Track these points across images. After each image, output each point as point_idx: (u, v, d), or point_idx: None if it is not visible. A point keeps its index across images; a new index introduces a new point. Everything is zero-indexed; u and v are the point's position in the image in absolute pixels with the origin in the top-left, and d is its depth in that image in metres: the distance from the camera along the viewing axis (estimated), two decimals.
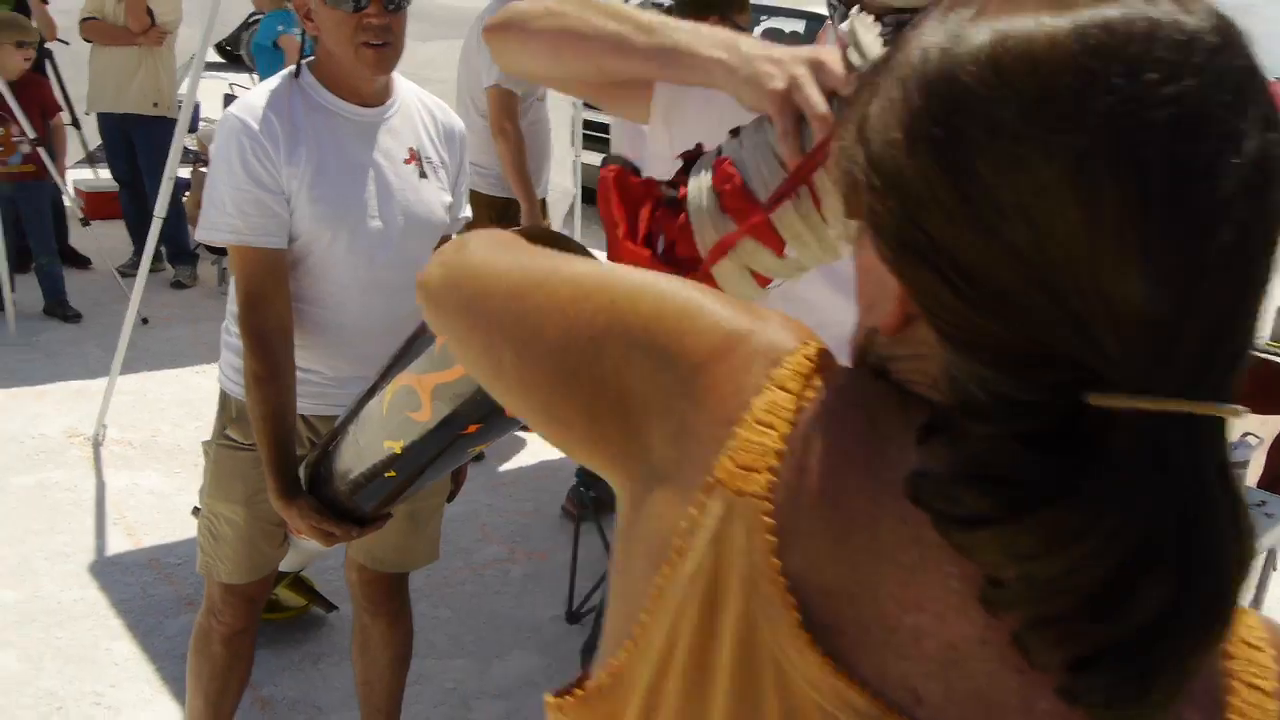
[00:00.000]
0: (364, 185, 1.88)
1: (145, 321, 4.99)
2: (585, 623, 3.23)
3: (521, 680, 2.98)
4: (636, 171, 0.94)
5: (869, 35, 0.82)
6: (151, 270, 6.00)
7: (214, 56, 9.84)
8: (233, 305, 1.99)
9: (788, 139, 0.85)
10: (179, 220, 5.58)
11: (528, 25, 1.08)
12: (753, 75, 0.88)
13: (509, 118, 3.54)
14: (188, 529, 3.48)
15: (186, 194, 6.04)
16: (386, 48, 1.80)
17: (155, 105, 5.48)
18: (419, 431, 1.26)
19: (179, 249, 5.82)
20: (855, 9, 0.86)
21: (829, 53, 0.87)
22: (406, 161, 1.94)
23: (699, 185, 0.90)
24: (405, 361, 1.24)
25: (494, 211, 3.86)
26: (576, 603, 3.27)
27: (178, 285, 5.85)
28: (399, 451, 1.36)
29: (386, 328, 1.98)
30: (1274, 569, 2.97)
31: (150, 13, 5.38)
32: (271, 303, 1.83)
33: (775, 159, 0.88)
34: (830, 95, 0.85)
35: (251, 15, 6.23)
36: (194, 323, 5.42)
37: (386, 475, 1.49)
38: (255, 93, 1.85)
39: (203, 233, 1.84)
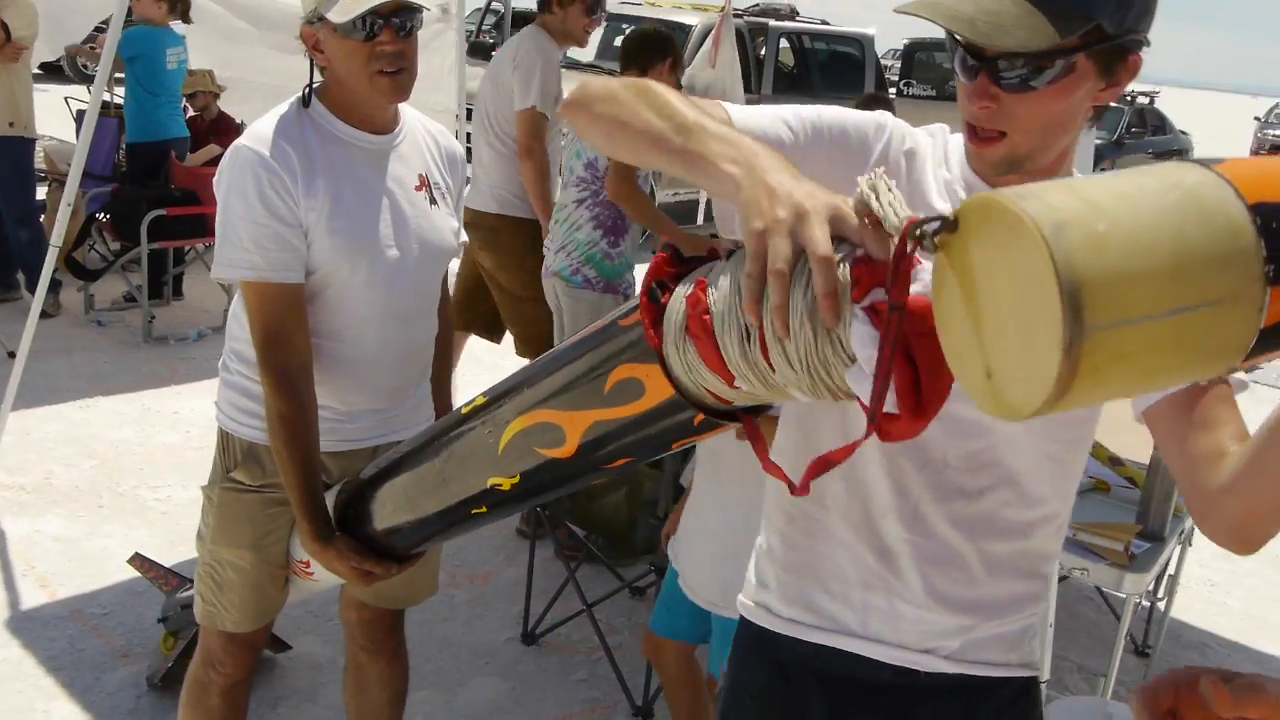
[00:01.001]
0: (380, 215, 1.83)
1: (11, 355, 4.65)
2: (543, 643, 3.21)
3: (490, 706, 2.93)
4: (681, 257, 1.01)
5: (889, 195, 0.81)
6: (8, 300, 5.63)
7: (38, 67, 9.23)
8: (234, 342, 1.91)
9: (749, 281, 0.84)
10: (37, 245, 5.23)
11: (591, 108, 1.14)
12: (746, 203, 0.87)
13: (537, 139, 3.53)
14: (105, 576, 3.30)
15: (43, 216, 5.68)
16: (401, 74, 1.76)
17: (11, 125, 5.12)
18: (545, 466, 1.24)
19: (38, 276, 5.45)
20: (879, 170, 0.85)
21: (843, 202, 0.84)
22: (417, 188, 1.90)
23: (678, 296, 0.95)
24: (539, 398, 1.21)
25: (528, 233, 3.88)
26: (532, 623, 3.24)
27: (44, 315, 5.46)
28: (506, 488, 1.34)
29: (401, 358, 1.94)
30: (1189, 545, 3.22)
31: (5, 27, 5.02)
32: (293, 339, 1.76)
33: (738, 295, 0.87)
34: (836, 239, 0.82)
35: (102, 23, 5.91)
36: (67, 354, 5.10)
37: (473, 512, 1.46)
38: (264, 123, 1.77)
39: (220, 270, 1.75)
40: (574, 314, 3.57)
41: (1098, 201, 0.70)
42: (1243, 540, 1.14)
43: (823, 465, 0.93)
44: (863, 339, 0.82)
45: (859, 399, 0.84)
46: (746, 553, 2.00)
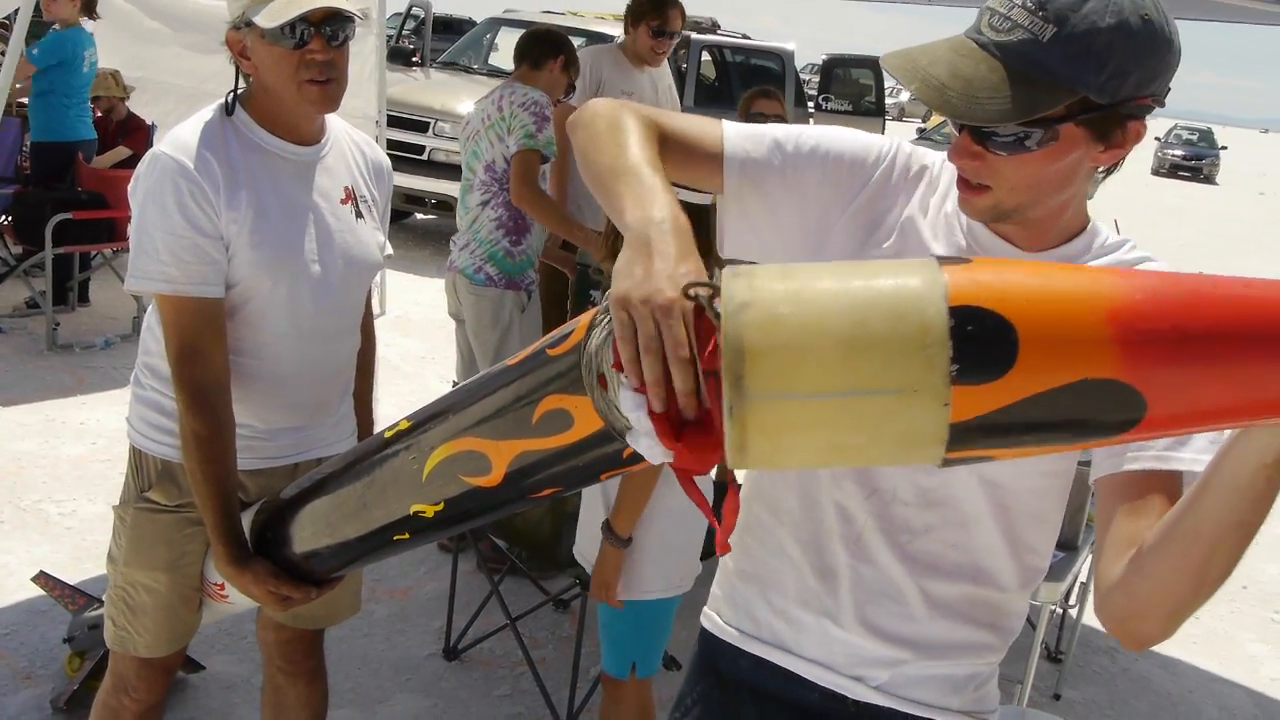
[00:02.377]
0: (305, 229, 1.79)
1: None
2: (465, 658, 3.18)
3: None
4: None
5: (734, 286, 0.82)
6: None
7: None
8: (148, 356, 1.86)
9: (615, 340, 0.92)
10: None
11: (575, 133, 1.20)
12: (619, 267, 0.93)
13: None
14: (6, 595, 3.20)
15: None
16: (331, 84, 1.73)
17: None
18: (470, 494, 1.23)
19: None
20: (728, 269, 0.86)
21: (681, 306, 0.87)
22: (343, 201, 1.87)
23: (595, 331, 0.99)
24: (465, 425, 1.20)
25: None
26: (454, 638, 3.20)
27: None
28: (429, 515, 1.32)
29: (323, 375, 1.91)
30: None
31: None
32: (210, 355, 1.71)
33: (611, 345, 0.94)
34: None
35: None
36: None
37: (395, 538, 1.43)
38: (185, 130, 1.72)
39: (134, 282, 1.69)
40: (476, 310, 3.59)
41: (800, 288, 0.78)
42: (1127, 636, 1.12)
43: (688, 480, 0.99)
44: (630, 403, 0.91)
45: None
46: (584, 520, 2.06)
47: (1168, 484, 1.10)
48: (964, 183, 1.13)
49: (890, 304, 0.76)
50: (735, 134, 1.24)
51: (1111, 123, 1.06)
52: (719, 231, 1.27)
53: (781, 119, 4.11)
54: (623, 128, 1.13)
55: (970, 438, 0.78)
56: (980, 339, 0.75)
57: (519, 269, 3.55)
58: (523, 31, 3.88)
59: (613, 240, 2.17)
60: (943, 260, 0.81)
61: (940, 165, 1.27)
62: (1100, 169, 1.13)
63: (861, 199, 1.24)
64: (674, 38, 4.35)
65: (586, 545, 2.33)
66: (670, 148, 1.18)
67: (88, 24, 5.95)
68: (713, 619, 1.43)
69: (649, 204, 0.98)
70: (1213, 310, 0.76)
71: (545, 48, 3.67)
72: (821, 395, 0.76)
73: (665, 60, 4.55)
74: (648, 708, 2.38)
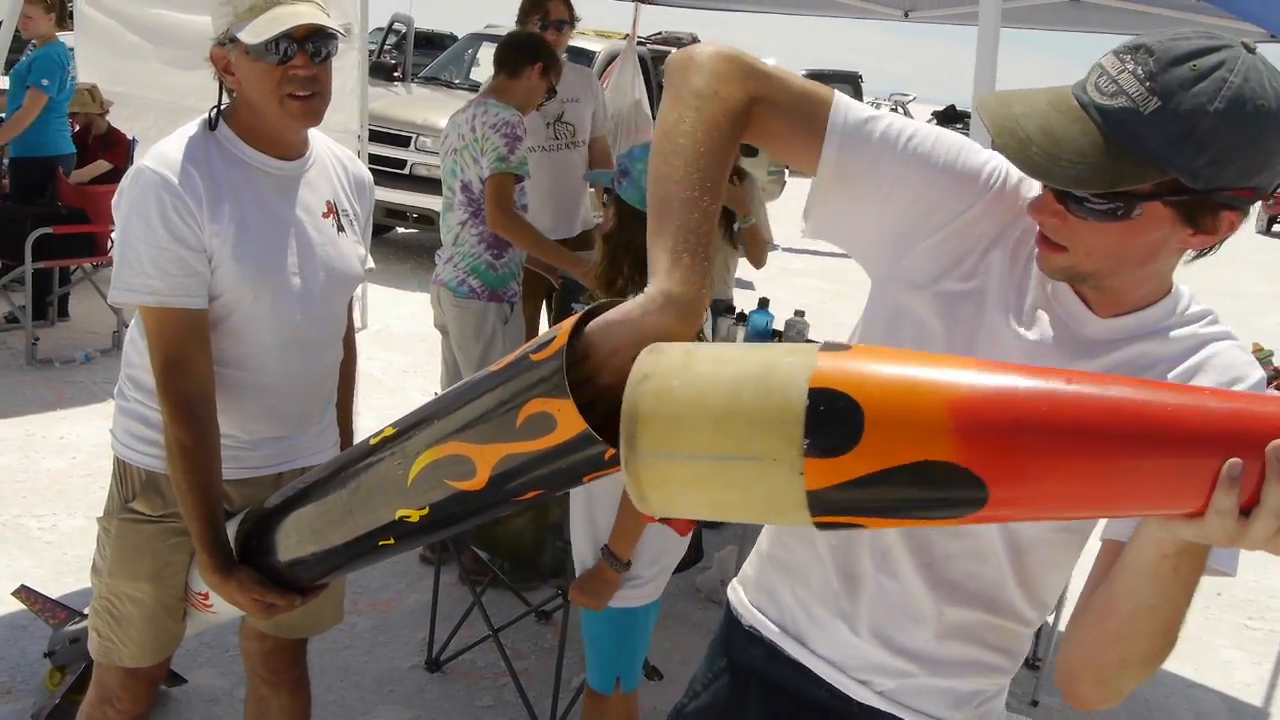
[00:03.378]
0: (287, 242, 1.82)
1: None
2: (448, 670, 3.19)
3: None
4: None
5: (642, 361, 0.94)
6: None
7: None
8: (131, 369, 1.87)
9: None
10: None
11: (670, 82, 1.14)
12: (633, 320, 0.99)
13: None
14: None
15: None
16: (314, 99, 1.75)
17: None
18: (454, 498, 1.25)
19: None
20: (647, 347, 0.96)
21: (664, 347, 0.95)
22: (325, 215, 1.89)
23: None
24: (450, 430, 1.22)
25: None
26: (436, 650, 3.21)
27: None
28: (414, 520, 1.34)
29: (305, 386, 1.93)
30: None
31: None
32: (194, 366, 1.73)
33: None
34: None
35: None
36: None
37: (380, 544, 1.45)
38: (168, 144, 1.74)
39: (118, 294, 1.71)
40: (460, 323, 3.60)
41: (694, 364, 0.91)
42: (1067, 694, 1.15)
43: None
44: None
45: None
46: (566, 529, 2.14)
47: None
48: (1042, 238, 1.11)
49: (759, 384, 0.87)
50: (843, 118, 1.17)
51: (1203, 209, 1.02)
52: (808, 203, 1.23)
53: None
54: (703, 117, 1.07)
55: (827, 505, 0.87)
56: (830, 418, 0.85)
57: (502, 281, 3.57)
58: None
59: (605, 270, 2.22)
60: (826, 347, 0.90)
61: (1028, 238, 1.22)
62: (1189, 251, 1.09)
63: (958, 224, 1.18)
64: (563, 28, 4.21)
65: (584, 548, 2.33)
66: (772, 119, 1.14)
67: (65, 38, 5.96)
68: (738, 593, 1.45)
69: (671, 270, 1.00)
70: (1057, 408, 0.83)
71: (522, 55, 3.62)
72: (697, 457, 0.89)
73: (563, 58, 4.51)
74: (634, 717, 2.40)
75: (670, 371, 0.91)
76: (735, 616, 1.45)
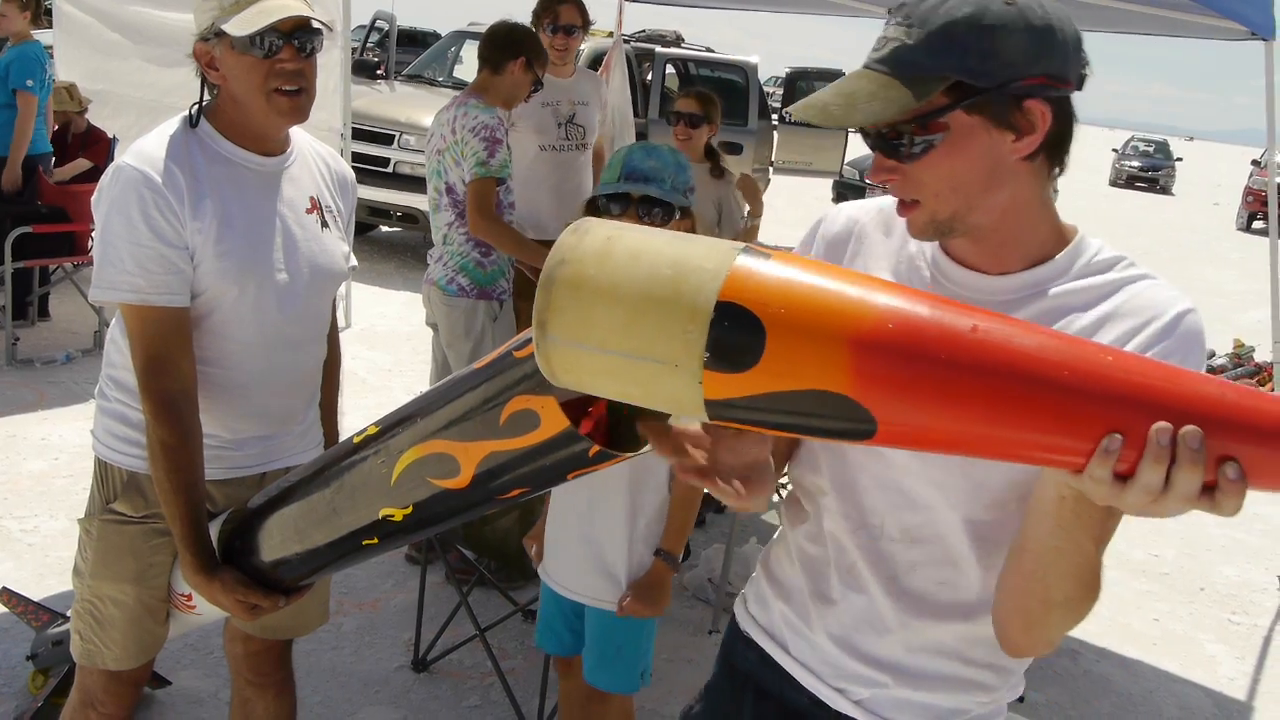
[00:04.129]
0: (270, 238, 1.80)
1: None
2: (435, 670, 3.17)
3: None
4: None
5: (565, 238, 0.95)
6: None
7: None
8: (112, 369, 1.85)
9: None
10: None
11: None
12: None
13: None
14: None
15: None
16: (301, 94, 1.74)
17: None
18: (438, 496, 1.24)
19: None
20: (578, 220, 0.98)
21: None
22: (308, 211, 1.88)
23: None
24: (433, 428, 1.22)
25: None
26: (423, 650, 3.20)
27: None
28: (398, 519, 1.33)
29: (291, 383, 1.91)
30: None
31: None
32: (177, 364, 1.71)
33: None
34: None
35: None
36: None
37: (364, 543, 1.44)
38: (149, 141, 1.73)
39: (99, 292, 1.69)
40: (449, 321, 3.58)
41: (612, 252, 0.90)
42: (1001, 642, 1.19)
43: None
44: None
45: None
46: (595, 533, 2.12)
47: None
48: (900, 204, 1.16)
49: (671, 287, 0.86)
50: None
51: (1004, 106, 1.08)
52: None
53: (699, 120, 4.09)
54: None
55: (726, 413, 0.88)
56: (733, 335, 0.84)
57: (490, 279, 3.55)
58: None
59: None
60: (747, 251, 0.89)
61: (876, 212, 1.30)
62: (1022, 157, 1.11)
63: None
64: (574, 33, 4.22)
65: (566, 570, 2.27)
66: None
67: (45, 37, 5.92)
68: (741, 604, 1.48)
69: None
70: (956, 350, 0.83)
71: (504, 50, 3.58)
72: (605, 351, 0.88)
73: (575, 62, 4.45)
74: (633, 717, 2.39)
75: (586, 258, 0.91)
76: (736, 623, 1.47)
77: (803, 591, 1.35)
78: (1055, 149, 1.13)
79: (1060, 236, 1.19)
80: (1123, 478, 0.83)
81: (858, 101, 1.08)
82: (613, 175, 2.12)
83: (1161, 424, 0.81)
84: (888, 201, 1.25)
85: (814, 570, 1.33)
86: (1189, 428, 0.80)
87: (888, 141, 1.11)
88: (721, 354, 0.84)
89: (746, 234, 4.36)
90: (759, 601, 1.44)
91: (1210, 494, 0.82)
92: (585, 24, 4.32)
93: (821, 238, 1.33)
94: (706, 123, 4.14)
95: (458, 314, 3.54)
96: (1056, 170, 1.16)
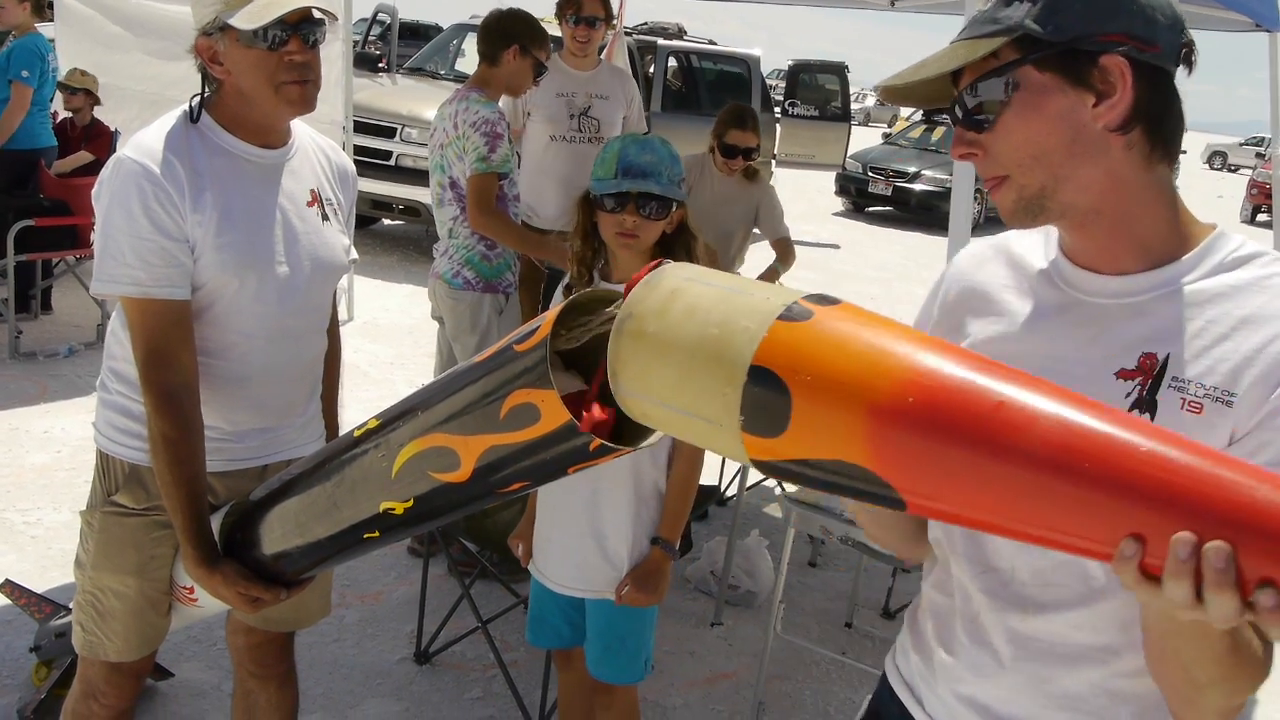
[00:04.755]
0: (271, 230, 1.80)
1: None
2: (437, 662, 3.18)
3: None
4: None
5: (638, 291, 0.99)
6: None
7: None
8: (113, 361, 1.86)
9: None
10: None
11: None
12: None
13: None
14: None
15: None
16: (309, 85, 1.74)
17: None
18: (439, 490, 1.24)
19: None
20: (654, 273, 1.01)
21: None
22: (309, 204, 1.87)
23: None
24: (433, 422, 1.21)
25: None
26: (425, 642, 3.21)
27: None
28: (399, 512, 1.33)
29: (291, 375, 1.92)
30: None
31: None
32: (178, 357, 1.71)
33: None
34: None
35: None
36: None
37: (365, 536, 1.45)
38: (149, 134, 1.72)
39: (100, 285, 1.69)
40: (455, 315, 3.57)
41: (671, 307, 0.92)
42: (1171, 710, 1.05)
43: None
44: None
45: None
46: (601, 525, 2.13)
47: None
48: (991, 189, 1.10)
49: (716, 347, 0.88)
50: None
51: (1078, 62, 1.02)
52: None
53: (754, 152, 4.08)
54: None
55: (770, 470, 0.89)
56: (764, 400, 0.85)
57: (496, 272, 3.54)
58: None
59: (580, 249, 2.18)
60: (786, 315, 0.87)
61: (986, 249, 1.24)
62: (1111, 128, 1.04)
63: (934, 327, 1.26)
64: (596, 25, 4.18)
65: (563, 566, 2.25)
66: None
67: (48, 30, 5.91)
68: (891, 652, 1.39)
69: None
70: (975, 429, 0.78)
71: (497, 41, 3.53)
72: (664, 405, 0.92)
73: (614, 64, 4.47)
74: (638, 708, 2.40)
75: (648, 314, 0.94)
76: (885, 673, 1.39)
77: (930, 642, 1.27)
78: (1155, 126, 1.05)
79: (1192, 234, 1.09)
80: (1159, 578, 0.74)
81: (928, 62, 1.05)
82: (608, 171, 2.10)
83: (1183, 535, 0.71)
84: (996, 238, 1.22)
85: (940, 620, 1.25)
86: (1214, 544, 0.70)
87: (966, 111, 1.07)
88: (755, 418, 0.85)
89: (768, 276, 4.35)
90: (902, 650, 1.35)
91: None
92: (609, 16, 4.29)
93: (940, 307, 1.26)
94: (758, 149, 4.13)
95: (463, 307, 3.53)
96: (1158, 151, 1.06)
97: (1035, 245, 1.20)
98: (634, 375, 0.93)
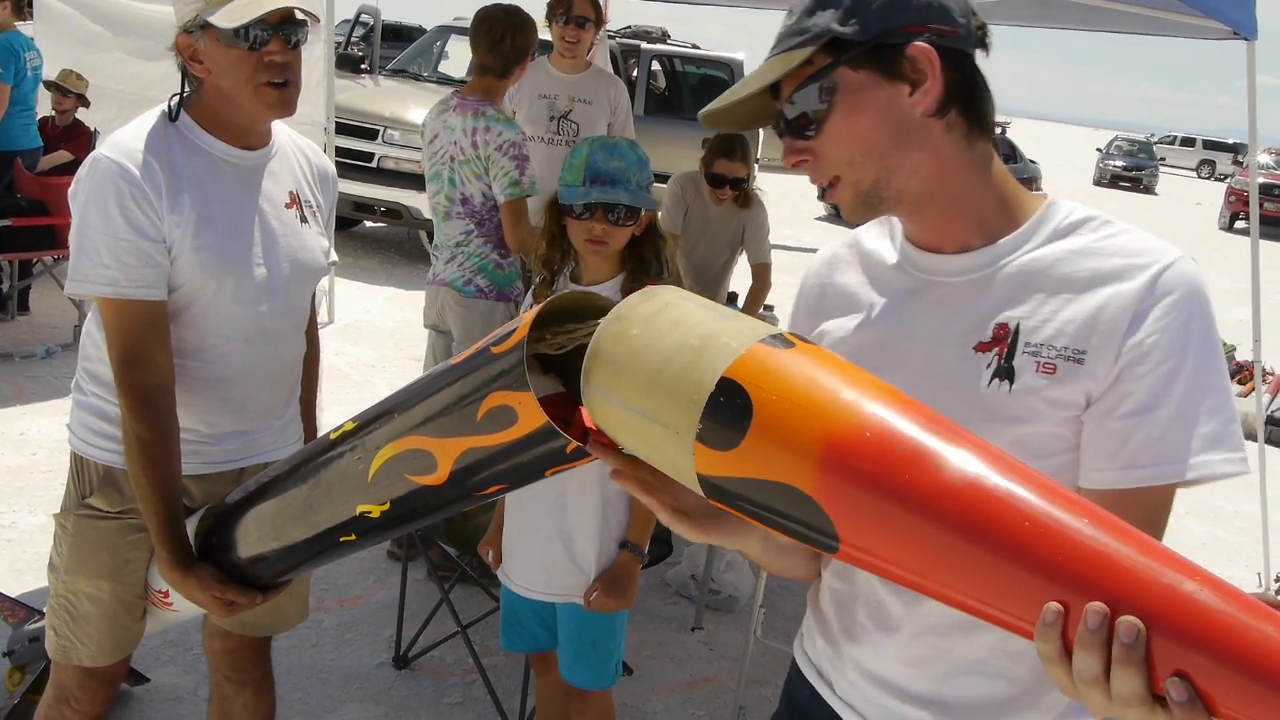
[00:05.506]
0: (249, 232, 1.79)
1: None
2: (416, 667, 3.16)
3: None
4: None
5: (629, 299, 0.99)
6: None
7: None
8: (88, 362, 1.84)
9: None
10: None
11: None
12: None
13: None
14: None
15: None
16: (288, 87, 1.72)
17: None
18: (416, 493, 1.23)
19: None
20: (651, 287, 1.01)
21: None
22: (288, 206, 1.86)
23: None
24: (410, 424, 1.20)
25: None
26: (404, 646, 3.19)
27: None
28: (376, 515, 1.32)
29: (269, 378, 1.90)
30: None
31: None
32: (154, 359, 1.69)
33: None
34: None
35: None
36: None
37: (342, 540, 1.43)
38: (126, 133, 1.71)
39: (75, 285, 1.68)
40: (466, 324, 3.51)
41: (660, 318, 0.94)
42: None
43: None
44: None
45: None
46: (568, 528, 2.12)
47: (1148, 500, 1.03)
48: (828, 191, 1.14)
49: (691, 357, 0.89)
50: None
51: (887, 56, 1.06)
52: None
53: (742, 182, 4.07)
54: None
55: (712, 490, 0.89)
56: (726, 411, 0.85)
57: (508, 280, 3.49)
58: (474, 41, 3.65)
59: (546, 253, 2.17)
60: (774, 339, 0.89)
61: (839, 247, 1.28)
62: (929, 113, 1.08)
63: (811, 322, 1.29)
64: (585, 25, 4.16)
65: (532, 570, 2.25)
66: None
67: (26, 28, 5.86)
68: (799, 638, 1.39)
69: None
70: (919, 481, 0.78)
71: (510, 56, 3.44)
72: (627, 406, 0.93)
73: (598, 68, 4.44)
74: (613, 711, 2.39)
75: (636, 319, 0.95)
76: (794, 658, 1.39)
77: (833, 627, 1.28)
78: (968, 105, 1.10)
79: (1024, 206, 1.14)
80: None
81: (743, 84, 1.09)
82: (576, 178, 2.08)
83: (1096, 604, 0.71)
84: (846, 239, 1.25)
85: (841, 605, 1.26)
86: (1125, 618, 0.70)
87: (790, 123, 1.11)
88: (713, 429, 0.85)
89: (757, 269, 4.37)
90: (808, 635, 1.36)
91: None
92: (599, 19, 4.27)
93: (803, 310, 1.30)
94: (748, 179, 4.12)
95: (475, 315, 3.46)
96: (975, 128, 1.11)
97: (882, 237, 1.24)
98: (607, 375, 0.94)
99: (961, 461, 0.78)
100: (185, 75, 1.76)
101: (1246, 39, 4.05)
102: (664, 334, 0.92)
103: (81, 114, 6.22)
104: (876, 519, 0.79)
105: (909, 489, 0.78)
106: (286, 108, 1.73)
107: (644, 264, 2.12)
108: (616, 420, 0.95)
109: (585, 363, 0.96)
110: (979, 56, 1.12)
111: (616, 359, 0.93)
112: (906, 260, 1.19)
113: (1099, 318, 1.05)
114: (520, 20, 3.54)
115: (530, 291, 2.28)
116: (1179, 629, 0.69)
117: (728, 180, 4.02)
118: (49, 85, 5.95)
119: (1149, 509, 1.03)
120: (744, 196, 4.14)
